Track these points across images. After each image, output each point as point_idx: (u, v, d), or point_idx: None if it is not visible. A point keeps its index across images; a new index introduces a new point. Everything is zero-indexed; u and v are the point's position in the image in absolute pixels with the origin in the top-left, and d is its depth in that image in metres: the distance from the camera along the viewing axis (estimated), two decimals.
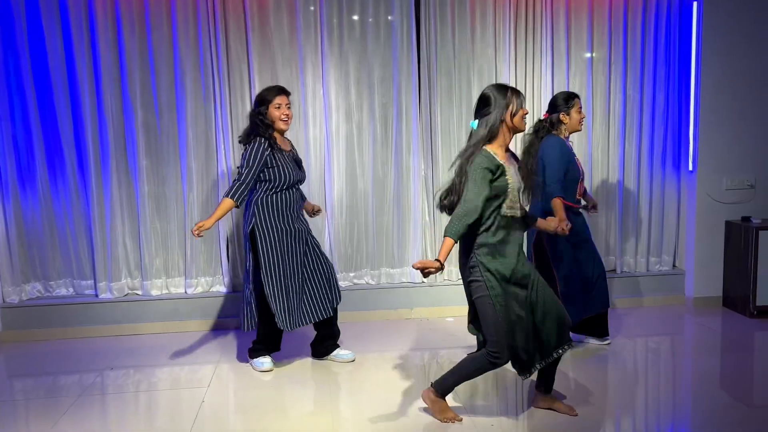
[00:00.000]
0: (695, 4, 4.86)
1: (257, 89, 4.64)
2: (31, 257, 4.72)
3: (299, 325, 3.80)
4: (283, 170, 3.71)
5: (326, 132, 4.80)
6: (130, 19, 4.55)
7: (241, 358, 4.13)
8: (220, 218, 3.66)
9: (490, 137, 2.94)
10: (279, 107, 3.71)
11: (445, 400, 3.20)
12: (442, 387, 3.16)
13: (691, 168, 5.02)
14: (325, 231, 4.90)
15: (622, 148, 5.04)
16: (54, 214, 4.70)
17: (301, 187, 3.93)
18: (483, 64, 4.89)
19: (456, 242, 2.85)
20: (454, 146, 4.92)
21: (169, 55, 4.61)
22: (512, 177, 2.93)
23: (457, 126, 4.92)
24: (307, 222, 3.93)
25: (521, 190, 2.98)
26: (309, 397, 3.55)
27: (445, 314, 4.92)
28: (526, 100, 3.13)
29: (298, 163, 3.86)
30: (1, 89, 4.50)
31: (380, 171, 4.90)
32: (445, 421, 3.15)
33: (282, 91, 3.77)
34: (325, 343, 4.04)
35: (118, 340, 4.56)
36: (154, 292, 4.80)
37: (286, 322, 3.74)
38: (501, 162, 2.91)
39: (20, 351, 4.42)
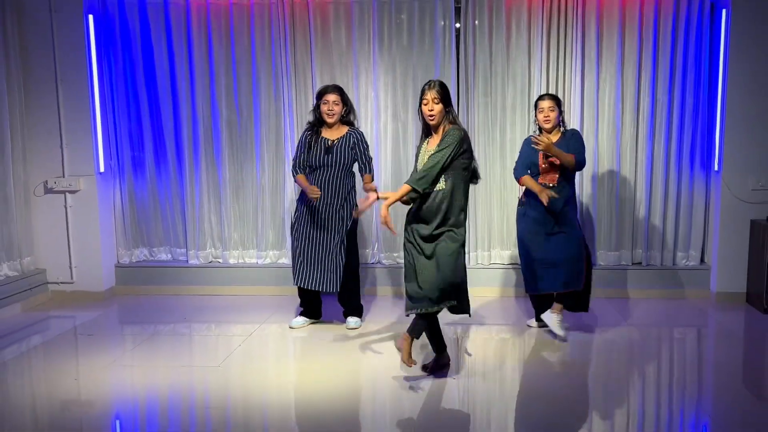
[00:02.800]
0: (724, 11, 5.05)
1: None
2: (140, 228, 5.86)
3: (299, 284, 4.59)
4: (308, 153, 4.49)
5: (376, 129, 5.54)
6: (219, 34, 5.54)
7: (287, 319, 4.97)
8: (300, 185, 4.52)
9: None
10: (326, 103, 4.46)
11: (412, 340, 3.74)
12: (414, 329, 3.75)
13: (716, 168, 5.22)
14: (373, 217, 5.64)
15: (650, 149, 5.34)
16: (158, 194, 5.81)
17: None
18: (517, 69, 5.39)
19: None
20: (490, 144, 5.48)
21: (248, 64, 5.55)
22: (420, 158, 3.69)
23: (492, 125, 5.46)
24: (341, 209, 4.49)
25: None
26: (323, 355, 4.31)
27: (480, 294, 5.46)
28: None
29: (329, 148, 4.45)
30: (120, 94, 5.66)
31: None
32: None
33: (334, 90, 4.50)
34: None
35: (199, 299, 5.59)
36: (232, 261, 5.79)
37: (293, 277, 4.65)
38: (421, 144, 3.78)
39: (129, 302, 5.57)
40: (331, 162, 4.48)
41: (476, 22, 5.38)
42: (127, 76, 5.64)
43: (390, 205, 3.58)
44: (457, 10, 5.40)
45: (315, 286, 4.55)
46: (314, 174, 4.51)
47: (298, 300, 4.85)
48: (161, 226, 5.87)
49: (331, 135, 4.51)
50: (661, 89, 5.28)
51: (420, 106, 3.67)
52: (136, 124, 5.72)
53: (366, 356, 4.19)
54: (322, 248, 4.54)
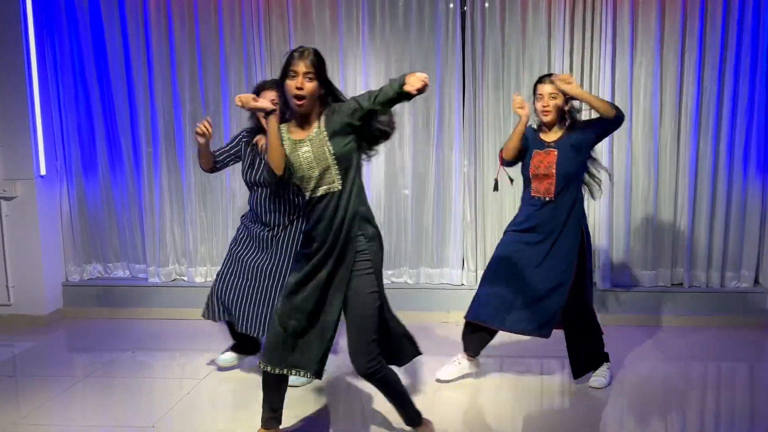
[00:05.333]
0: None
1: None
2: (93, 240, 5.07)
3: (215, 319, 3.64)
4: (245, 167, 3.59)
5: None
6: (180, 15, 4.75)
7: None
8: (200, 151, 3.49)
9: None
10: None
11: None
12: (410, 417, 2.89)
13: None
14: None
15: (695, 148, 4.53)
16: (113, 201, 5.02)
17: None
18: (534, 54, 4.58)
19: None
20: (502, 142, 4.65)
21: (215, 50, 4.77)
22: (301, 158, 2.62)
23: (505, 121, 4.64)
24: (284, 235, 3.55)
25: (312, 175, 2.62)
26: (296, 404, 3.48)
27: None
28: None
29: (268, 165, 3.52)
30: (67, 84, 4.87)
31: (421, 167, 4.75)
32: None
33: (275, 87, 3.44)
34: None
35: (159, 323, 4.77)
36: (198, 279, 4.98)
37: (204, 309, 3.65)
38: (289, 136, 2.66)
39: (77, 327, 4.76)
40: (268, 182, 3.45)
41: (486, 4, 4.57)
42: (74, 60, 4.85)
43: None
44: None
45: (233, 319, 3.58)
46: (255, 192, 3.60)
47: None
48: (117, 238, 5.07)
49: None
50: (709, 76, 4.47)
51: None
52: (85, 118, 4.93)
53: (343, 404, 3.36)
54: (255, 281, 3.55)
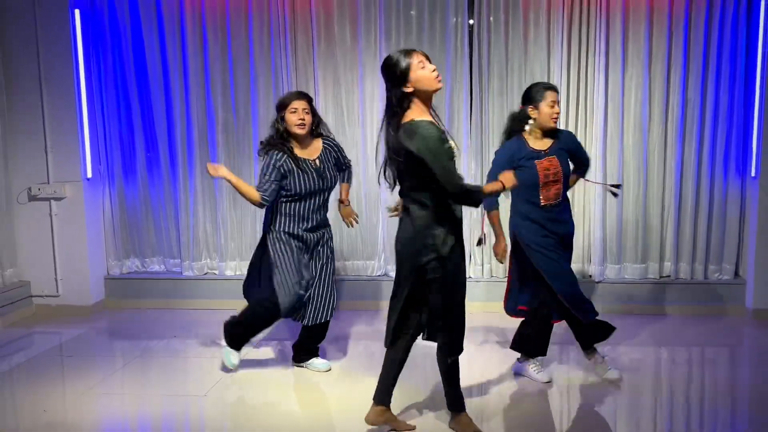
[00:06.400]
0: (763, 0, 4.64)
1: (321, 92, 5.13)
2: (131, 237, 5.51)
3: (294, 318, 3.90)
4: (299, 181, 3.68)
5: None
6: (214, 30, 5.17)
7: (287, 335, 4.58)
8: (238, 188, 3.65)
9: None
10: (295, 111, 3.65)
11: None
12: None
13: (753, 174, 4.80)
14: (379, 227, 5.26)
15: (680, 153, 4.94)
16: (150, 201, 5.45)
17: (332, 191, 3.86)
18: (535, 66, 4.99)
19: None
20: None
21: (245, 61, 5.18)
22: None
23: None
24: (325, 233, 3.89)
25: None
26: (325, 385, 3.92)
27: (491, 309, 5.04)
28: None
29: (320, 171, 3.73)
30: (109, 94, 5.31)
31: None
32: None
33: (300, 96, 3.75)
34: (301, 352, 4.06)
35: (194, 313, 5.21)
36: (228, 273, 5.41)
37: (286, 309, 3.79)
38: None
39: (118, 317, 5.21)
40: (324, 186, 3.77)
41: (491, 18, 5.00)
42: (117, 74, 5.29)
43: None
44: (470, 4, 5.01)
45: (305, 320, 3.88)
46: (301, 203, 3.75)
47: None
48: (154, 235, 5.51)
49: (307, 154, 3.74)
50: (693, 87, 4.86)
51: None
52: (126, 126, 5.37)
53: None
54: (318, 278, 3.86)
